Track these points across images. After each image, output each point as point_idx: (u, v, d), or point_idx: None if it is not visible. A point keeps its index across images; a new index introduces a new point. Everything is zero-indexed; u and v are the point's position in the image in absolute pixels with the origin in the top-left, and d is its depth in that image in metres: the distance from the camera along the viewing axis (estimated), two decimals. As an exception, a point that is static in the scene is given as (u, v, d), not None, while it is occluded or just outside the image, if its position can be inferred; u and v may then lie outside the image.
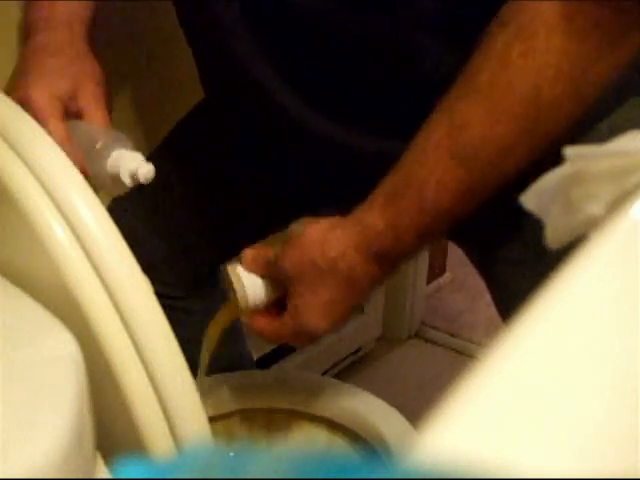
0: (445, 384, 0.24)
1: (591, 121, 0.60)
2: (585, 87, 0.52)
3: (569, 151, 0.33)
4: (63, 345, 0.49)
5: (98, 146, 0.65)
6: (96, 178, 0.65)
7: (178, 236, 0.86)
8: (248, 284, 0.63)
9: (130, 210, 0.82)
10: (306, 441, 0.83)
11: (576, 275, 0.28)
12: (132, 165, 0.63)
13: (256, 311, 0.65)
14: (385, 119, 0.66)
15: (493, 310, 0.75)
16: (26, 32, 0.73)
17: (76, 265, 0.52)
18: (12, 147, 0.55)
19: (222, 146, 0.83)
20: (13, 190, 0.54)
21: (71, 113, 0.68)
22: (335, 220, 0.60)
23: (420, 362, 1.59)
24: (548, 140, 0.54)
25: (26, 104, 0.65)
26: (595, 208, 0.32)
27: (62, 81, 0.68)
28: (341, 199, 0.77)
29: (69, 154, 0.62)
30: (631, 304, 0.27)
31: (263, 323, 0.65)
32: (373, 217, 0.57)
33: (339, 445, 0.83)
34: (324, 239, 0.59)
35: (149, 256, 0.71)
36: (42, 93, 0.66)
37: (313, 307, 0.60)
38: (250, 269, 0.64)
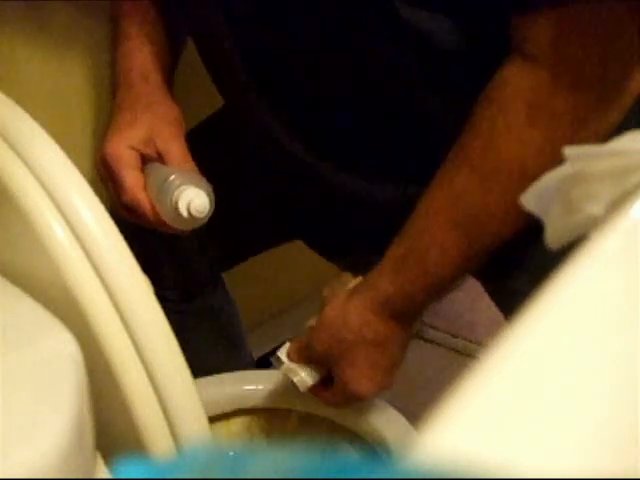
0: (445, 384, 0.24)
1: None
2: None
3: (569, 151, 0.33)
4: (63, 345, 0.49)
5: (170, 179, 0.67)
6: (164, 213, 0.68)
7: (178, 238, 0.86)
8: (303, 374, 0.70)
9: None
10: (306, 441, 0.83)
11: (576, 275, 0.28)
12: (189, 197, 0.66)
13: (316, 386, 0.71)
14: (388, 163, 0.68)
15: (493, 310, 0.75)
16: (113, 87, 0.77)
17: (76, 265, 0.52)
18: (12, 147, 0.55)
19: (229, 154, 0.83)
20: (13, 190, 0.54)
21: (152, 158, 0.71)
22: (350, 292, 0.64)
23: (420, 362, 1.59)
24: None
25: (103, 160, 0.70)
26: (595, 208, 0.32)
27: (135, 130, 0.71)
28: (350, 241, 0.78)
29: (141, 198, 0.68)
30: (631, 304, 0.27)
31: (321, 392, 0.71)
32: (384, 283, 0.62)
33: (339, 445, 0.83)
34: (343, 313, 0.64)
35: (150, 256, 0.71)
36: (117, 146, 0.70)
37: (355, 377, 0.65)
38: (295, 361, 0.71)
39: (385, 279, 0.62)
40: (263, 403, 0.84)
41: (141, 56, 0.75)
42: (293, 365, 0.71)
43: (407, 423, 0.78)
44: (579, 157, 0.33)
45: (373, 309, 0.62)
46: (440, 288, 0.61)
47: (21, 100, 0.59)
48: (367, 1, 0.57)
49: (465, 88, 0.58)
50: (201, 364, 0.74)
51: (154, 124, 0.72)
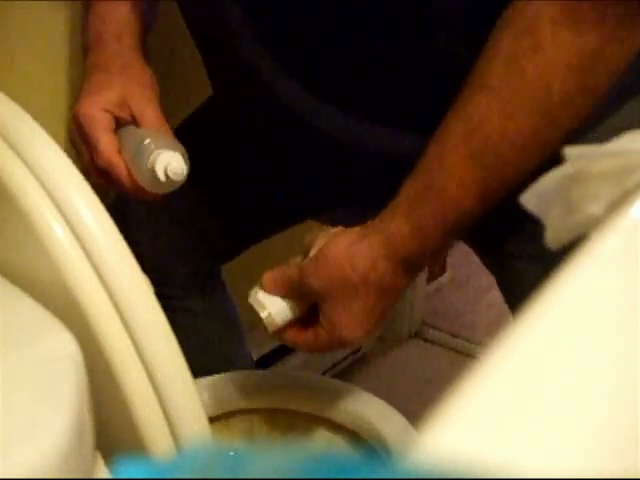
0: (445, 384, 0.24)
1: (591, 122, 0.60)
2: (595, 79, 0.52)
3: (569, 151, 0.33)
4: (63, 345, 0.49)
5: (145, 143, 0.67)
6: (140, 176, 0.67)
7: (179, 236, 0.86)
8: (273, 309, 0.64)
9: (130, 210, 0.82)
10: (306, 441, 0.83)
11: (576, 275, 0.28)
12: (166, 160, 0.65)
13: (286, 327, 0.65)
14: (399, 113, 0.65)
15: (493, 310, 0.75)
16: (84, 51, 0.75)
17: (76, 265, 0.52)
18: (12, 147, 0.55)
19: (227, 145, 0.83)
20: (13, 190, 0.54)
21: (126, 121, 0.70)
22: (357, 233, 0.60)
23: (420, 362, 1.59)
24: (562, 134, 0.54)
25: (76, 122, 0.69)
26: (595, 208, 0.32)
27: (109, 93, 0.70)
28: (347, 199, 0.77)
29: (117, 161, 0.67)
30: (631, 304, 0.27)
31: (296, 336, 0.65)
32: (398, 224, 0.58)
33: (339, 445, 0.83)
34: (351, 254, 0.59)
35: (149, 256, 0.71)
36: (89, 108, 0.69)
37: (348, 320, 0.61)
38: (271, 292, 0.64)
39: (400, 218, 0.58)
40: (263, 403, 0.84)
41: (114, 18, 0.74)
42: (266, 298, 0.64)
43: (407, 423, 0.79)
44: (579, 157, 0.33)
45: (386, 253, 0.58)
46: (456, 229, 0.58)
47: (20, 99, 0.59)
48: None
49: (484, 28, 0.56)
50: (201, 364, 0.74)
51: (128, 87, 0.71)
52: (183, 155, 0.67)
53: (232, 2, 0.63)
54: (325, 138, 0.67)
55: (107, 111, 0.69)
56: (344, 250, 0.59)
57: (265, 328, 0.65)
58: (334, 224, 0.66)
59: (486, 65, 0.54)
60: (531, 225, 0.57)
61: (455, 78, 0.55)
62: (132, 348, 0.52)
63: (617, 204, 0.31)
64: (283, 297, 0.64)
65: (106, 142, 0.68)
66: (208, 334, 0.93)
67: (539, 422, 0.23)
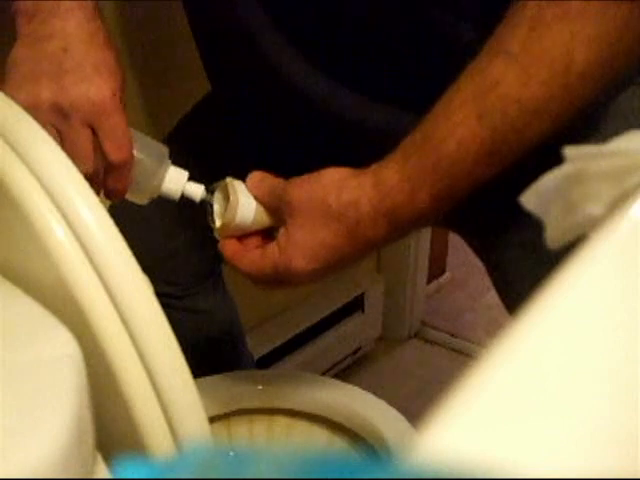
0: (445, 384, 0.24)
1: (592, 108, 0.60)
2: (618, 55, 0.52)
3: (569, 151, 0.33)
4: (63, 345, 0.49)
5: (152, 161, 0.65)
6: (139, 187, 0.65)
7: (179, 234, 0.86)
8: (242, 200, 0.62)
9: (130, 210, 0.82)
10: (306, 441, 0.83)
11: (576, 275, 0.28)
12: (187, 189, 0.65)
13: (234, 234, 0.63)
14: (403, 91, 0.65)
15: (493, 310, 0.75)
16: (32, 8, 0.60)
17: (76, 265, 0.52)
18: (12, 147, 0.55)
19: (226, 142, 0.83)
20: (13, 190, 0.54)
21: None
22: (353, 169, 0.58)
23: (420, 362, 1.59)
24: (575, 108, 0.53)
25: (91, 104, 0.59)
26: (595, 208, 0.32)
27: (118, 77, 0.61)
28: None
29: (130, 167, 0.62)
30: (631, 304, 0.27)
31: (237, 249, 0.63)
32: (389, 171, 0.56)
33: (339, 445, 0.83)
34: (341, 183, 0.57)
35: (150, 255, 0.71)
36: (106, 91, 0.59)
37: (307, 245, 0.58)
38: (252, 190, 0.63)
39: (393, 165, 0.56)
40: (263, 403, 0.84)
41: None
42: (242, 188, 0.63)
43: (407, 423, 0.79)
44: (579, 157, 0.33)
45: (371, 196, 0.56)
46: (445, 193, 0.55)
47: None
48: None
49: (490, 8, 0.55)
50: (201, 364, 0.74)
51: (120, 76, 0.62)
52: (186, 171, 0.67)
53: None
54: (328, 115, 0.66)
55: (120, 98, 0.61)
56: (337, 178, 0.58)
57: (216, 220, 0.64)
58: None
59: (508, 30, 0.52)
60: (523, 214, 0.56)
61: (459, 58, 0.54)
62: (132, 348, 0.52)
63: (617, 204, 0.31)
64: (258, 200, 0.62)
65: (127, 136, 0.61)
66: (208, 334, 0.93)
67: (539, 422, 0.23)
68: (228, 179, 0.64)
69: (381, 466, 0.19)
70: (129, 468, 0.21)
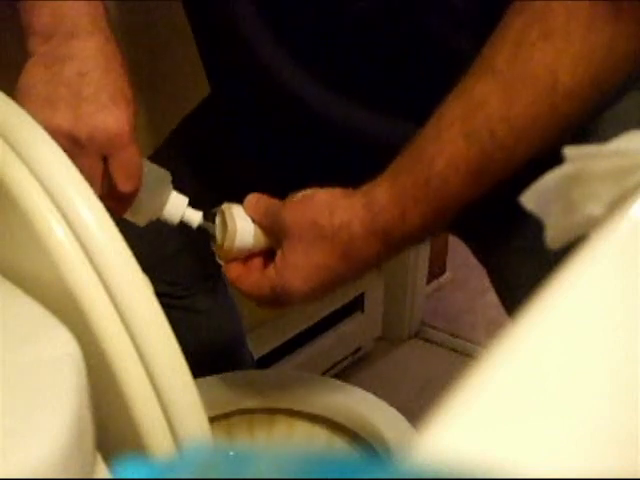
0: (445, 384, 0.24)
1: (592, 114, 0.60)
2: (604, 74, 0.52)
3: (569, 151, 0.33)
4: (63, 345, 0.49)
5: (156, 186, 0.66)
6: (139, 210, 0.65)
7: (180, 234, 0.86)
8: (241, 225, 0.63)
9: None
10: (306, 441, 0.83)
11: (576, 275, 0.28)
12: (186, 214, 0.66)
13: (236, 257, 0.64)
14: (400, 100, 0.65)
15: (493, 310, 0.75)
16: (47, 28, 0.60)
17: (76, 265, 0.52)
18: (12, 147, 0.55)
19: (227, 143, 0.83)
20: (13, 190, 0.54)
21: None
22: (346, 189, 0.59)
23: (420, 362, 1.59)
24: (564, 126, 0.53)
25: (105, 135, 0.58)
26: (595, 208, 0.32)
27: (132, 107, 0.60)
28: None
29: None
30: (631, 304, 0.27)
31: (240, 271, 0.64)
32: (380, 191, 0.56)
33: (339, 445, 0.83)
34: (333, 204, 0.58)
35: (150, 255, 0.71)
36: (125, 121, 0.58)
37: (301, 267, 0.59)
38: (249, 213, 0.63)
39: (384, 184, 0.56)
40: (263, 403, 0.84)
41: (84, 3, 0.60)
42: (240, 212, 0.64)
43: (407, 423, 0.79)
44: (579, 157, 0.33)
45: (363, 217, 0.57)
46: (435, 213, 0.55)
47: (11, 94, 0.59)
48: None
49: (486, 19, 0.55)
50: (201, 364, 0.74)
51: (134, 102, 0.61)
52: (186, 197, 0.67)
53: None
54: (326, 123, 0.67)
55: (133, 127, 0.60)
56: (328, 200, 0.58)
57: (218, 246, 0.65)
58: None
59: (494, 49, 0.53)
60: (521, 218, 0.56)
61: (455, 68, 0.54)
62: (132, 348, 0.52)
63: (617, 204, 0.31)
64: (254, 222, 0.63)
65: (139, 166, 0.60)
66: (209, 334, 0.93)
67: (539, 422, 0.23)
68: (225, 205, 0.65)
69: (381, 466, 0.19)
70: (129, 468, 0.21)
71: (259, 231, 0.63)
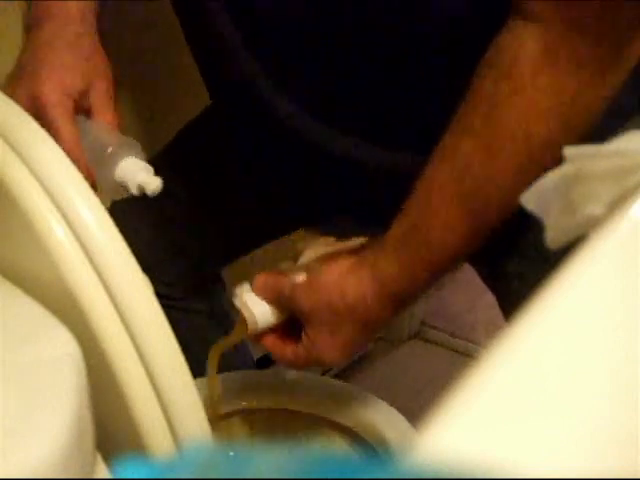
0: (445, 384, 0.24)
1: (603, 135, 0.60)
2: (575, 119, 0.53)
3: (569, 151, 0.33)
4: (63, 345, 0.49)
5: (108, 151, 0.64)
6: (101, 182, 0.65)
7: (179, 237, 0.86)
8: (257, 310, 0.66)
9: (131, 211, 0.82)
10: (306, 441, 0.83)
11: (576, 275, 0.28)
12: (140, 177, 0.64)
13: (265, 332, 0.67)
14: (388, 130, 0.66)
15: (493, 310, 0.75)
16: (34, 21, 0.68)
17: (76, 265, 0.52)
18: (12, 147, 0.55)
19: (225, 152, 0.83)
20: (13, 190, 0.54)
21: (80, 110, 0.66)
22: (349, 262, 0.61)
23: (420, 362, 1.59)
24: (548, 168, 0.54)
25: (36, 100, 0.63)
26: (595, 208, 0.32)
27: (75, 77, 0.65)
28: (341, 209, 0.77)
29: (78, 156, 0.62)
30: (631, 304, 0.27)
31: (274, 344, 0.67)
32: (387, 262, 0.59)
33: (339, 445, 0.83)
34: (343, 284, 0.60)
35: (149, 256, 0.71)
36: (54, 89, 0.63)
37: (329, 345, 0.63)
38: (260, 295, 0.66)
39: (388, 257, 0.59)
40: (263, 403, 0.84)
41: None
42: (251, 298, 0.66)
43: (407, 423, 0.79)
44: (579, 157, 0.33)
45: (374, 289, 0.59)
46: (444, 267, 0.59)
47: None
48: None
49: (469, 54, 0.56)
50: (201, 364, 0.74)
51: (92, 76, 0.66)
52: (149, 165, 0.65)
53: (230, 22, 0.63)
54: (316, 151, 0.68)
55: (71, 97, 0.64)
56: (335, 279, 0.61)
57: (243, 328, 0.67)
58: (327, 234, 0.68)
59: (468, 108, 0.55)
60: (523, 243, 0.58)
61: (446, 100, 0.56)
62: (132, 348, 0.52)
63: (617, 204, 0.31)
64: (269, 302, 0.66)
65: (69, 132, 0.63)
66: (208, 334, 0.93)
67: (539, 422, 0.23)
68: (237, 293, 0.67)
69: (381, 466, 0.19)
70: (129, 468, 0.21)
71: (276, 310, 0.66)
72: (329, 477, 0.19)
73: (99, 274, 0.52)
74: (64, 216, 0.52)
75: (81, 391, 0.46)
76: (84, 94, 0.66)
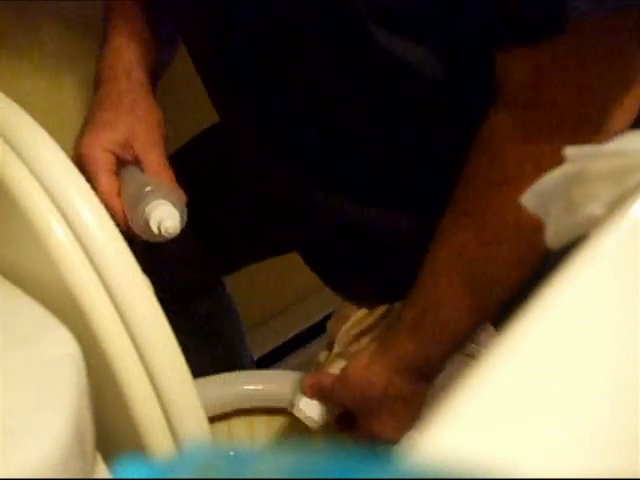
0: (445, 384, 0.24)
1: None
2: None
3: (569, 151, 0.33)
4: (63, 345, 0.49)
5: (142, 193, 0.66)
6: (134, 224, 0.67)
7: (178, 243, 0.86)
8: (313, 413, 0.73)
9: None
10: (306, 441, 0.83)
11: (576, 275, 0.28)
12: (161, 215, 0.65)
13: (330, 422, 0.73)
14: (364, 186, 0.67)
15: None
16: (95, 83, 0.74)
17: (76, 265, 0.52)
18: (12, 147, 0.55)
19: (226, 169, 0.83)
20: (13, 190, 0.54)
21: (128, 162, 0.70)
22: (370, 353, 0.66)
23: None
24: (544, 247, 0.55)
25: (78, 160, 0.68)
26: (595, 208, 0.32)
27: (114, 133, 0.69)
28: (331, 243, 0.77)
29: (113, 203, 0.66)
30: (631, 304, 0.27)
31: (346, 427, 0.72)
32: (404, 344, 0.63)
33: (339, 445, 0.83)
34: (367, 376, 0.65)
35: (149, 257, 0.71)
36: (94, 145, 0.68)
37: (382, 428, 0.67)
38: (311, 397, 0.72)
39: (404, 340, 0.63)
40: (263, 403, 0.84)
41: (127, 53, 0.73)
42: (307, 404, 0.73)
43: (407, 423, 0.78)
44: (579, 157, 0.33)
45: (397, 370, 0.64)
46: (459, 341, 0.62)
47: (20, 99, 0.59)
48: (340, 25, 0.55)
49: (449, 118, 0.58)
50: (201, 364, 0.74)
51: (134, 127, 0.70)
52: (182, 211, 0.67)
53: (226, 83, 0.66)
54: (307, 211, 0.69)
55: (109, 151, 0.69)
56: (361, 373, 0.66)
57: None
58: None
59: (462, 192, 0.57)
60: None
61: (441, 166, 0.58)
62: (132, 348, 0.52)
63: (617, 204, 0.31)
64: (321, 401, 0.72)
65: (105, 184, 0.67)
66: (208, 334, 0.93)
67: (539, 422, 0.23)
68: (293, 406, 0.74)
69: (381, 466, 0.19)
70: (129, 468, 0.21)
71: (330, 405, 0.72)
72: (329, 477, 0.19)
73: (99, 274, 0.52)
74: (64, 216, 0.52)
75: (81, 391, 0.46)
76: (125, 146, 0.69)
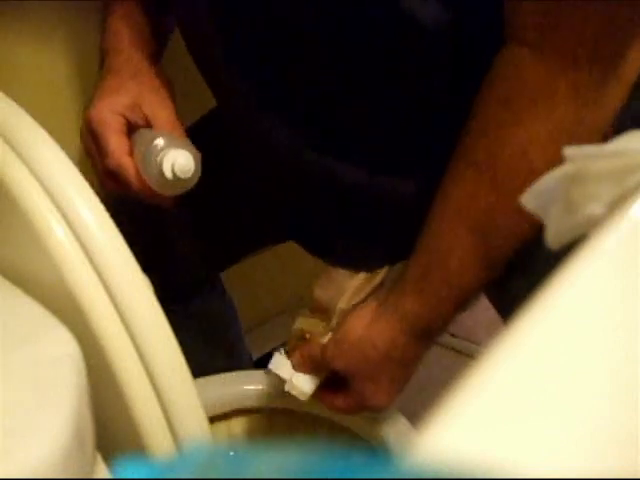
0: (445, 384, 0.24)
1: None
2: (578, 143, 0.53)
3: (569, 151, 0.33)
4: (63, 345, 0.49)
5: (153, 144, 0.66)
6: (149, 177, 0.66)
7: (176, 241, 0.86)
8: (303, 385, 0.71)
9: (130, 213, 0.82)
10: (306, 441, 0.83)
11: (576, 275, 0.28)
12: (174, 157, 0.64)
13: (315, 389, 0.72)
14: (374, 151, 0.66)
15: (493, 310, 0.75)
16: (101, 55, 0.76)
17: (76, 265, 0.52)
18: (12, 147, 0.55)
19: (223, 158, 0.83)
20: (13, 190, 0.54)
21: (139, 125, 0.70)
22: (373, 311, 0.64)
23: (420, 362, 1.59)
24: None
25: (88, 126, 0.69)
26: (595, 208, 0.32)
27: (120, 97, 0.70)
28: (333, 225, 0.77)
29: (126, 165, 0.67)
30: (631, 304, 0.27)
31: (324, 396, 0.72)
32: (409, 302, 0.61)
33: (339, 445, 0.83)
34: (370, 335, 0.63)
35: (149, 256, 0.71)
36: (101, 112, 0.69)
37: (375, 392, 0.66)
38: (301, 371, 0.72)
39: (410, 298, 0.61)
40: (263, 403, 0.84)
41: (132, 23, 0.74)
42: (296, 376, 0.72)
43: (407, 423, 0.78)
44: (579, 157, 0.33)
45: (402, 330, 0.62)
46: (464, 299, 0.60)
47: (20, 99, 0.59)
48: None
49: (459, 72, 0.57)
50: (201, 364, 0.74)
51: (141, 90, 0.71)
52: (194, 155, 0.66)
53: (229, 52, 0.65)
54: (308, 177, 0.68)
55: (119, 114, 0.69)
56: (363, 331, 0.63)
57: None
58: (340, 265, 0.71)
59: (471, 140, 0.55)
60: (531, 266, 0.58)
61: (441, 127, 0.57)
62: (132, 348, 0.52)
63: (617, 204, 0.31)
64: (310, 372, 0.71)
65: (116, 143, 0.68)
66: (208, 334, 0.93)
67: (539, 422, 0.23)
68: (287, 385, 0.73)
69: (381, 466, 0.19)
70: (129, 468, 0.21)
71: (318, 373, 0.71)
72: (329, 477, 0.19)
73: (99, 274, 0.52)
74: (64, 216, 0.52)
75: (81, 391, 0.46)
76: (134, 108, 0.70)
